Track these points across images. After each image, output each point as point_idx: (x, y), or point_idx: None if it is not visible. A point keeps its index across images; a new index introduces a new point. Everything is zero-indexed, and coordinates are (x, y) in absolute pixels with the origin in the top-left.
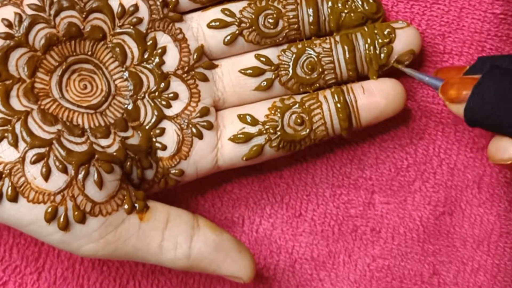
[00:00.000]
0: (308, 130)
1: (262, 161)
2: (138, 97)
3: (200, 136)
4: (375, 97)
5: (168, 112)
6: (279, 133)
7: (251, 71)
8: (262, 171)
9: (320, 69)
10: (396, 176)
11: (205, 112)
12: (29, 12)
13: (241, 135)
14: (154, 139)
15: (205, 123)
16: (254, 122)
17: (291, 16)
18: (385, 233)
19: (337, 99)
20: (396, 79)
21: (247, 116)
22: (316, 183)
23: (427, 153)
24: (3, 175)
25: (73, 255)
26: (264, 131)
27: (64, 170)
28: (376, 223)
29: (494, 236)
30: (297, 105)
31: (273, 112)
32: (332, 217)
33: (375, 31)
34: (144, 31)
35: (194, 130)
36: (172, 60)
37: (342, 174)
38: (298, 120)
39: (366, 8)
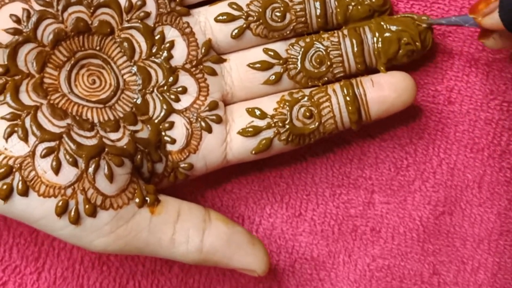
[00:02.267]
0: (317, 123)
1: (271, 155)
2: (147, 92)
3: (209, 130)
4: (385, 90)
5: (177, 106)
6: (287, 126)
7: (259, 65)
8: (262, 170)
9: (329, 63)
10: (396, 176)
11: (213, 106)
12: (37, 7)
13: (250, 129)
14: (163, 133)
15: (214, 117)
16: (263, 115)
17: (298, 9)
18: (385, 233)
19: (346, 92)
20: (406, 72)
21: (256, 110)
22: (316, 183)
23: (426, 153)
24: (14, 170)
25: (73, 255)
26: (273, 125)
27: (75, 164)
28: (376, 222)
29: (494, 235)
30: (305, 99)
31: (281, 105)
32: (332, 216)
33: (383, 24)
34: (152, 26)
35: (203, 124)
36: (180, 54)
37: (342, 174)
38: (307, 113)
39: (373, 0)
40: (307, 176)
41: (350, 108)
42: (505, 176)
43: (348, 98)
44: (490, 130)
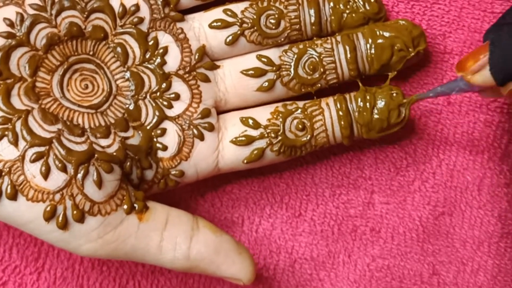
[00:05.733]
0: (309, 136)
1: (262, 165)
2: (140, 97)
3: (201, 138)
4: None
5: (170, 112)
6: (280, 137)
7: (252, 72)
8: (261, 171)
9: (322, 69)
10: (396, 176)
11: (206, 113)
12: (31, 11)
13: (242, 138)
14: (155, 140)
15: (206, 125)
16: (256, 125)
17: (292, 17)
18: (384, 233)
19: (339, 107)
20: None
21: (249, 119)
22: (316, 183)
23: (426, 153)
24: (3, 173)
25: (73, 255)
26: (266, 135)
27: (64, 169)
28: (375, 223)
29: (494, 237)
30: (299, 111)
31: (275, 116)
32: (331, 217)
33: (376, 30)
34: (146, 31)
35: (195, 131)
36: (173, 60)
37: (342, 174)
38: (300, 126)
39: (368, 8)
40: (306, 176)
41: (342, 122)
42: (505, 178)
43: (341, 113)
44: (490, 133)
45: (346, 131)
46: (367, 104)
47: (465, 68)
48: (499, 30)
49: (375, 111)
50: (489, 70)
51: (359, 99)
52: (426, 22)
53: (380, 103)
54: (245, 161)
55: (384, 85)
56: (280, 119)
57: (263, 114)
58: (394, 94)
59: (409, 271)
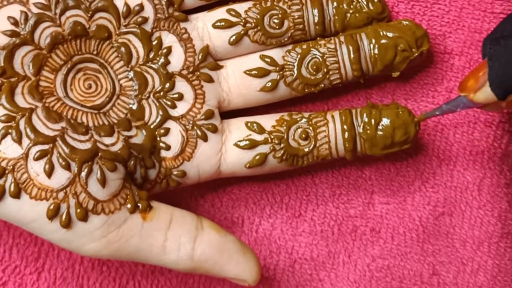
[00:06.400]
0: (311, 146)
1: (264, 172)
2: (143, 97)
3: (204, 138)
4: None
5: (173, 112)
6: (283, 144)
7: (256, 72)
8: None
9: (325, 70)
10: (396, 176)
11: (209, 115)
12: (35, 10)
13: (246, 141)
14: (158, 139)
15: (209, 126)
16: (261, 130)
17: (296, 17)
18: (384, 233)
19: (344, 120)
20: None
21: (254, 124)
22: (316, 183)
23: (426, 153)
24: (6, 171)
25: (73, 255)
26: (270, 140)
27: (67, 167)
28: (375, 223)
29: (494, 237)
30: (304, 120)
31: (280, 124)
32: (331, 217)
33: (379, 31)
34: (150, 31)
35: (198, 132)
36: (177, 60)
37: (342, 174)
38: (303, 135)
39: (371, 8)
40: (306, 176)
41: (346, 135)
42: (505, 178)
43: (345, 126)
44: (491, 133)
45: (349, 145)
46: (372, 120)
47: (466, 88)
48: (495, 44)
49: (380, 127)
50: (489, 87)
51: (365, 114)
52: (426, 22)
53: (386, 120)
54: (247, 166)
55: (391, 102)
56: (285, 127)
57: (268, 121)
58: (401, 112)
59: (409, 271)
